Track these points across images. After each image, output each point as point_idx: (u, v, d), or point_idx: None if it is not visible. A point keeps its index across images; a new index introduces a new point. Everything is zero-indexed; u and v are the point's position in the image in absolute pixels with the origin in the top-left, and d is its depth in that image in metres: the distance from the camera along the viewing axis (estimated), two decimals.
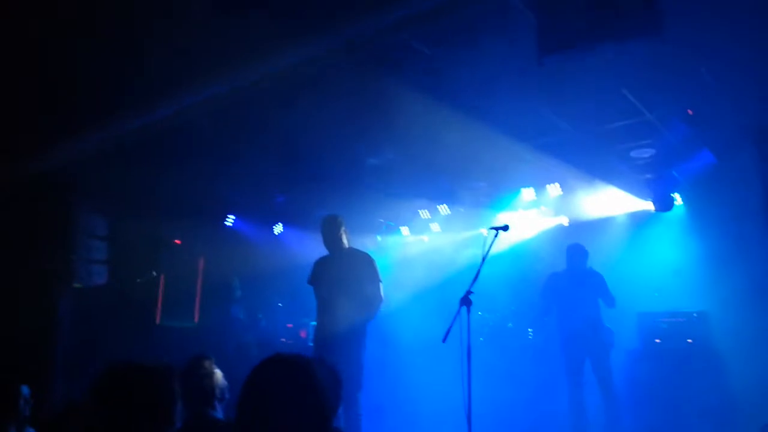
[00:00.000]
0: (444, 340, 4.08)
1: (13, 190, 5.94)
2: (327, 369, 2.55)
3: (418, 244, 9.36)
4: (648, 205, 7.08)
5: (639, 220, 7.39)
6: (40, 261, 6.07)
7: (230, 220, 8.60)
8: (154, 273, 7.40)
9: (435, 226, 9.00)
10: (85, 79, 4.64)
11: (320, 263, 5.19)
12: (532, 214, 7.94)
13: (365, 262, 4.98)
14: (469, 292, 4.17)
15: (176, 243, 7.88)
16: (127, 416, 1.96)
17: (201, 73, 4.53)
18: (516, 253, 7.25)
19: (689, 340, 6.00)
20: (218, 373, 2.84)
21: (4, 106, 4.91)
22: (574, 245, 6.18)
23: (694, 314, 6.09)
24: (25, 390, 3.26)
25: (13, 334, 5.72)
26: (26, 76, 4.58)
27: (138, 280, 7.20)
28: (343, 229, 5.10)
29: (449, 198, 8.28)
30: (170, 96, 4.86)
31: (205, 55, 4.32)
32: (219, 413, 2.79)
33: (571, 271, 6.08)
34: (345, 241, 5.09)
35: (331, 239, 5.06)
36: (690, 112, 5.51)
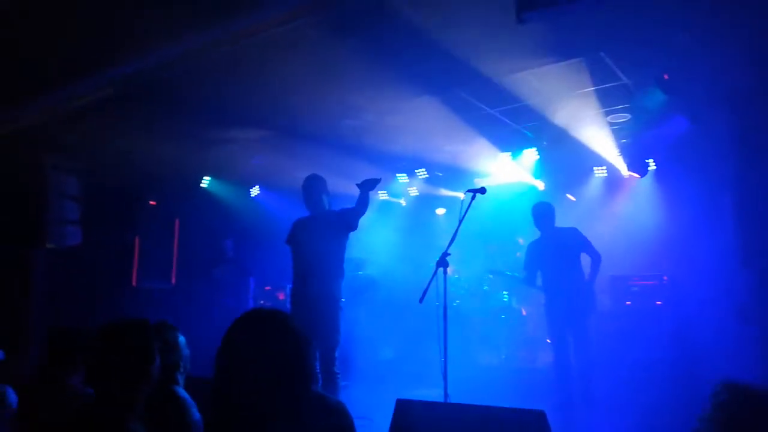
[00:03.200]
0: (421, 301, 4.14)
1: None
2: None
3: (396, 207, 9.40)
4: (624, 170, 7.20)
5: (614, 184, 7.50)
6: (11, 222, 5.95)
7: (206, 181, 8.50)
8: (132, 234, 7.31)
9: (413, 190, 9.03)
10: (55, 37, 4.47)
11: (298, 224, 5.15)
12: (509, 178, 8.00)
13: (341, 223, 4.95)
14: (446, 254, 4.22)
15: (151, 204, 7.76)
16: (104, 372, 1.97)
17: (174, 29, 4.40)
18: (493, 216, 7.30)
19: (658, 303, 6.19)
20: (181, 344, 2.67)
21: None
22: (537, 204, 5.77)
23: (665, 278, 6.26)
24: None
25: None
26: None
27: (114, 241, 7.10)
28: (323, 189, 5.01)
29: (427, 162, 8.29)
30: (142, 53, 4.72)
31: (177, 11, 4.19)
32: (181, 387, 2.62)
33: (544, 236, 5.74)
34: (326, 202, 5.02)
35: (311, 200, 5.00)
36: (666, 77, 5.54)
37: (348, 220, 4.88)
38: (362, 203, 4.84)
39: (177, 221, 8.06)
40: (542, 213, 5.67)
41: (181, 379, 2.62)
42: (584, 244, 5.57)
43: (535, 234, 5.85)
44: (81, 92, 5.33)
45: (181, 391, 2.58)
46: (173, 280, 7.92)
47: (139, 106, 5.81)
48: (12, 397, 2.90)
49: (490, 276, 7.42)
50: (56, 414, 2.57)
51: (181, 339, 2.68)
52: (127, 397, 1.99)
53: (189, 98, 5.80)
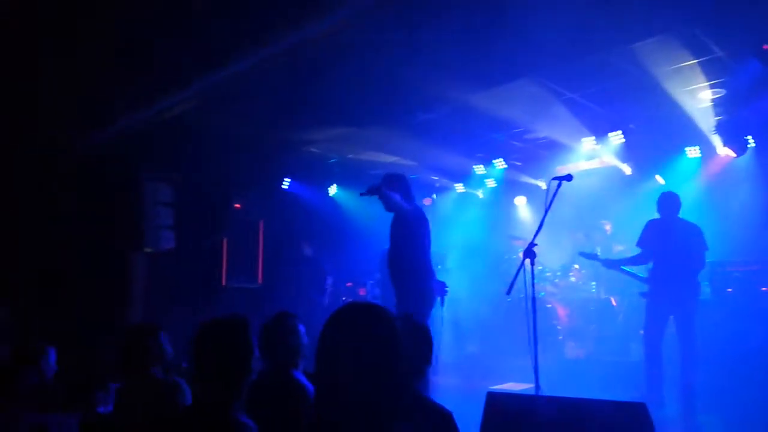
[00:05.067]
0: (508, 293, 4.06)
1: (86, 162, 6.23)
2: (414, 325, 2.55)
3: (474, 199, 9.27)
4: (720, 149, 6.74)
5: (708, 164, 7.05)
6: (113, 229, 6.39)
7: (286, 183, 8.73)
8: (219, 236, 7.64)
9: (490, 182, 8.88)
10: (147, 51, 4.74)
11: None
12: (594, 164, 7.69)
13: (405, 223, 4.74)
14: (532, 245, 4.11)
15: (236, 207, 8.07)
16: (210, 366, 2.07)
17: (253, 37, 4.55)
18: (578, 203, 7.02)
19: (764, 288, 5.75)
20: (300, 330, 2.87)
21: (71, 80, 5.10)
22: (664, 194, 5.64)
23: None
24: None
25: (94, 299, 6.08)
26: (92, 53, 4.72)
27: (205, 243, 7.46)
28: (389, 188, 4.68)
29: (505, 152, 8.12)
30: (224, 62, 4.91)
31: (258, 20, 4.33)
32: (299, 371, 2.81)
33: (666, 220, 5.52)
34: (396, 200, 4.67)
35: (383, 202, 4.71)
36: (766, 47, 5.13)
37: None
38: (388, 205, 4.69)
39: (261, 222, 8.33)
40: (668, 201, 5.53)
41: (300, 362, 2.80)
42: (704, 248, 5.39)
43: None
44: (169, 104, 5.63)
45: (299, 375, 2.73)
46: (260, 280, 8.19)
47: (220, 114, 6.06)
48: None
49: (581, 259, 7.04)
50: (141, 402, 2.79)
51: (301, 327, 2.86)
52: (229, 389, 2.08)
53: (268, 103, 5.98)
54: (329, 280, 8.30)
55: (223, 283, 7.92)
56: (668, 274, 5.33)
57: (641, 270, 5.86)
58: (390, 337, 1.54)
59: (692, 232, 5.40)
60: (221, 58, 4.75)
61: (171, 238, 6.75)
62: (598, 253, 6.69)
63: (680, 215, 5.47)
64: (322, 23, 4.15)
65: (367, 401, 1.50)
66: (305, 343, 2.84)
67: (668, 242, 5.40)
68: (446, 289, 4.78)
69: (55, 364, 3.70)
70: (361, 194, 4.64)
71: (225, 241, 7.96)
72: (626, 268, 5.91)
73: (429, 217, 4.86)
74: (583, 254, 6.49)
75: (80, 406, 3.30)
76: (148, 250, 6.57)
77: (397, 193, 4.72)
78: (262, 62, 4.67)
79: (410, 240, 4.69)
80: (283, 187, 8.73)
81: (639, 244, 5.64)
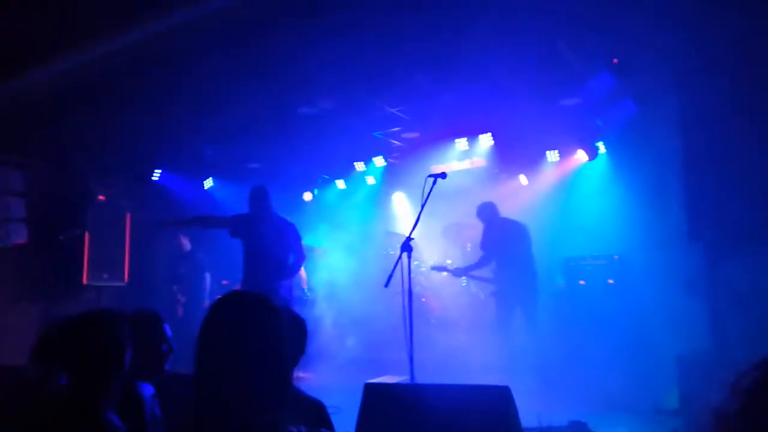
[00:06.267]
0: (386, 286, 4.16)
1: None
2: (292, 317, 2.53)
3: (355, 196, 9.37)
4: (575, 153, 7.39)
5: (566, 168, 7.69)
6: None
7: (157, 174, 8.27)
8: (78, 230, 7.00)
9: (370, 179, 9.02)
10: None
11: (245, 220, 5.68)
12: (465, 164, 8.09)
13: (290, 232, 5.66)
14: (409, 239, 4.25)
15: (100, 199, 7.47)
16: (78, 364, 1.91)
17: (115, 21, 4.26)
18: (450, 201, 7.36)
19: (610, 281, 6.40)
20: (165, 332, 2.54)
21: None
22: (481, 204, 6.53)
23: (615, 257, 6.47)
24: None
25: None
26: None
27: (61, 238, 6.81)
28: (252, 200, 5.65)
29: (384, 149, 8.30)
30: (83, 45, 4.55)
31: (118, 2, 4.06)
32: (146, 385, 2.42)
33: (495, 224, 6.38)
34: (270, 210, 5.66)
35: (260, 208, 5.59)
36: (615, 61, 5.71)
37: None
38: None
39: (128, 216, 7.78)
40: (485, 211, 6.44)
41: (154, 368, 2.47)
42: (529, 242, 6.32)
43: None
44: (27, 86, 5.11)
45: (145, 387, 2.40)
46: (126, 278, 7.65)
47: (81, 97, 5.60)
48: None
49: (432, 270, 7.44)
50: None
51: (165, 327, 2.54)
52: (101, 387, 1.94)
53: (137, 88, 5.62)
54: (207, 278, 8.02)
55: (85, 281, 7.30)
56: (505, 272, 6.18)
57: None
58: (274, 325, 1.51)
59: (518, 230, 6.27)
60: (85, 38, 4.38)
61: (22, 232, 6.11)
62: (449, 263, 7.29)
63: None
64: (196, 11, 3.98)
65: (252, 392, 1.44)
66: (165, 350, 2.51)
67: (500, 243, 6.20)
68: (293, 292, 5.73)
69: None
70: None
71: (87, 235, 7.33)
72: (474, 273, 6.67)
73: (310, 211, 5.24)
74: (434, 268, 7.02)
75: None
76: None
77: (258, 203, 5.63)
78: (132, 46, 4.38)
79: (256, 242, 5.56)
80: (153, 178, 8.25)
81: (481, 247, 6.29)
